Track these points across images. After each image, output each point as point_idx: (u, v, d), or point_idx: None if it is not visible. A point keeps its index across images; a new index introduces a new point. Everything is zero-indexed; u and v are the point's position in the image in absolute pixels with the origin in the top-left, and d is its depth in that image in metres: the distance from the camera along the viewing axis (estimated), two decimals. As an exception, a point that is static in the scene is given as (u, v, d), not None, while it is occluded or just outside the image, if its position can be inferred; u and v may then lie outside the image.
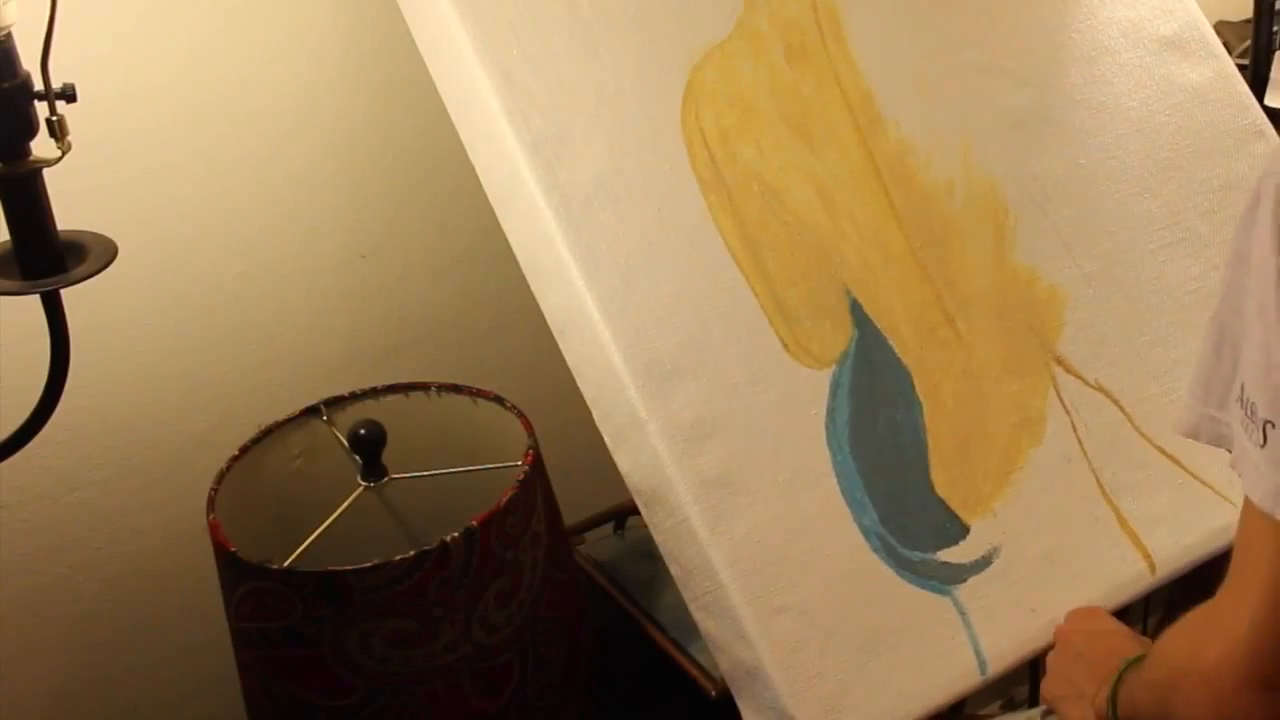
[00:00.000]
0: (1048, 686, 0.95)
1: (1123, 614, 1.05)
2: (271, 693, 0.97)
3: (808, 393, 0.99)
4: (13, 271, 0.86)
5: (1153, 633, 1.35)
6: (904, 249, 1.06)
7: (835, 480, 0.98)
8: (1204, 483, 1.09)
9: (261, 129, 1.14)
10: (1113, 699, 0.83)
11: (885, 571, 0.97)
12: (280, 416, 1.07)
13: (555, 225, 0.94)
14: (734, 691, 0.95)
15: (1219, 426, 0.72)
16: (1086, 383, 1.09)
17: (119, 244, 0.90)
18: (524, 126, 0.95)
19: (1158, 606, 1.35)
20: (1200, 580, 1.16)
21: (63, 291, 0.87)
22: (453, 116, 1.00)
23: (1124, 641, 0.92)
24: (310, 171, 1.18)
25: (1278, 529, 0.64)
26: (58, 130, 0.84)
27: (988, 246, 1.09)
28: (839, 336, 1.02)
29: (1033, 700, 1.35)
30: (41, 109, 0.84)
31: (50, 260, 0.86)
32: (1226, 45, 1.29)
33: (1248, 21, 1.40)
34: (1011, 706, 1.41)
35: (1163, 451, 1.09)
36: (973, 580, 0.99)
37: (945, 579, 0.99)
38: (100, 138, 1.04)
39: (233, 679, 1.04)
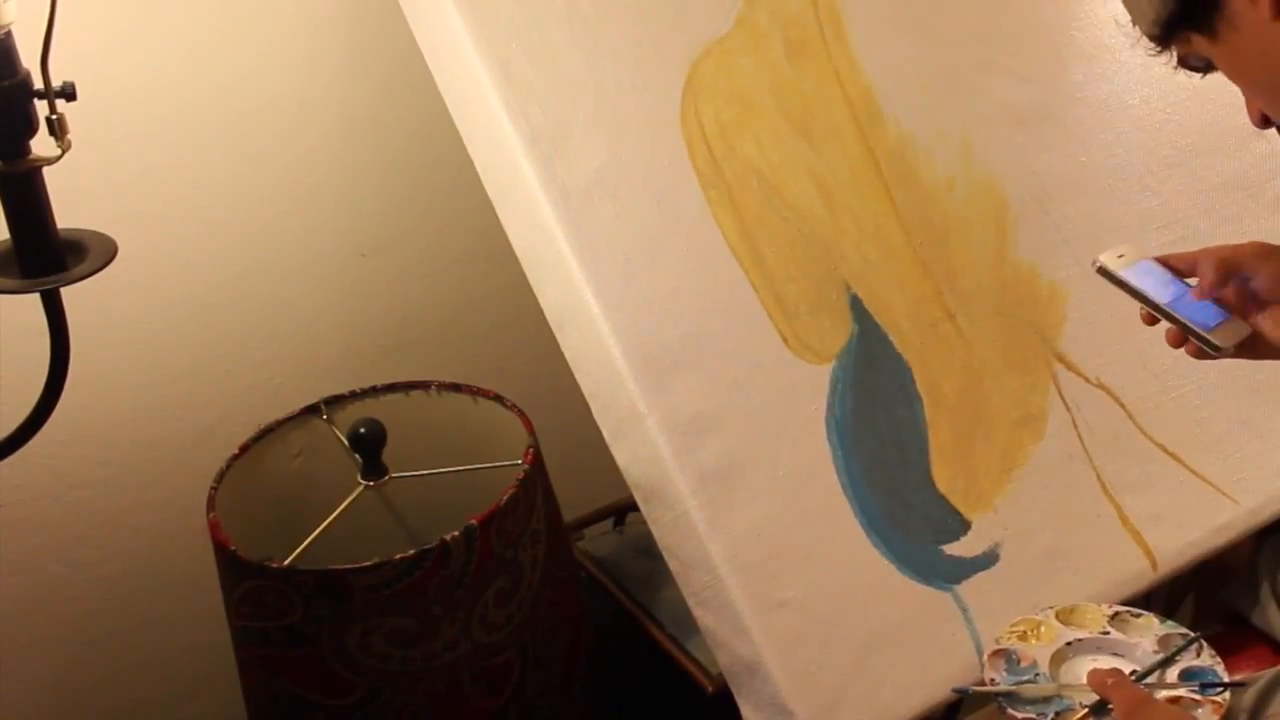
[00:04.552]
0: None
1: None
2: (272, 691, 0.97)
3: (807, 388, 0.99)
4: (12, 270, 0.86)
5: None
6: (904, 245, 1.06)
7: (835, 475, 0.98)
8: (1205, 480, 1.09)
9: (261, 127, 1.14)
10: None
11: (886, 567, 0.97)
12: (280, 415, 1.07)
13: (554, 219, 0.94)
14: (733, 687, 0.95)
15: None
16: (1088, 380, 1.09)
17: (119, 242, 0.90)
18: (523, 120, 0.95)
19: (1159, 602, 1.34)
20: (1202, 576, 1.16)
21: (62, 290, 0.87)
22: (452, 111, 1.00)
23: None
24: (310, 170, 1.18)
25: None
26: (57, 128, 0.84)
27: (988, 243, 1.09)
28: (839, 332, 1.02)
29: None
30: (41, 107, 0.83)
31: (50, 259, 0.86)
32: (1227, 43, 1.29)
33: (1248, 20, 1.40)
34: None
35: (1164, 449, 1.09)
36: (974, 577, 0.99)
37: (946, 575, 0.99)
38: (100, 136, 1.04)
39: (233, 678, 1.04)
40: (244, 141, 1.14)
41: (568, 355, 0.97)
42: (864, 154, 1.06)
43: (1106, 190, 1.15)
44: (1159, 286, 0.85)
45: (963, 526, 1.01)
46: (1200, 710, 0.84)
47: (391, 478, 1.05)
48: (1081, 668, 0.89)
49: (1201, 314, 0.84)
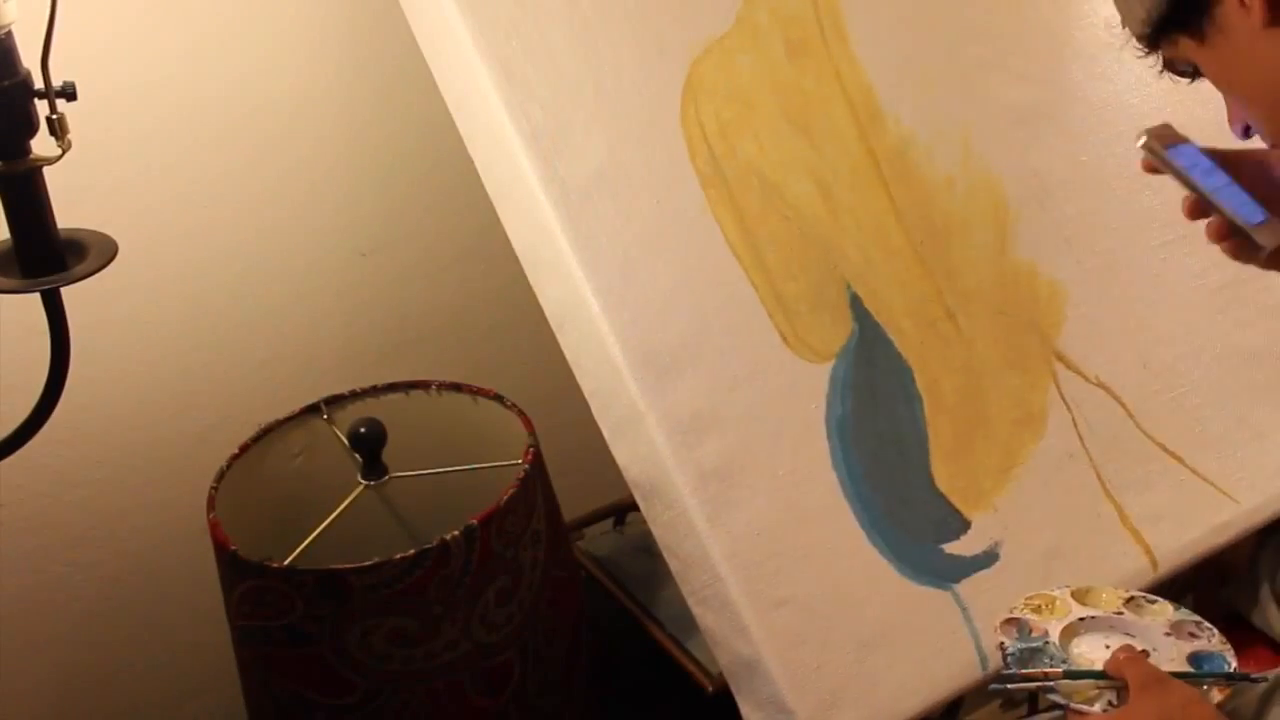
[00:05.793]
0: None
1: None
2: (272, 691, 0.97)
3: (807, 386, 0.99)
4: (13, 270, 0.86)
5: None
6: (904, 244, 1.06)
7: (835, 474, 0.98)
8: (1205, 479, 1.09)
9: (261, 127, 1.15)
10: None
11: (886, 566, 0.97)
12: (280, 415, 1.07)
13: (554, 217, 0.94)
14: (733, 686, 0.95)
15: None
16: (1087, 379, 1.09)
17: (119, 242, 0.90)
18: (523, 119, 0.95)
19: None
20: (1202, 576, 1.16)
21: (63, 290, 0.87)
22: (452, 110, 1.00)
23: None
24: (310, 169, 1.18)
25: None
26: (58, 128, 0.84)
27: (988, 242, 1.09)
28: (839, 330, 1.02)
29: (1031, 703, 1.34)
30: (42, 107, 0.84)
31: (50, 258, 0.86)
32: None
33: (1248, 20, 1.41)
34: (1011, 706, 1.40)
35: (1164, 448, 1.09)
36: (974, 576, 0.99)
37: (946, 574, 0.99)
38: (100, 136, 1.04)
39: (233, 677, 1.04)
40: (244, 141, 1.14)
41: (567, 354, 0.97)
42: (864, 153, 1.06)
43: (1106, 189, 1.15)
44: (1204, 174, 0.80)
45: (962, 525, 1.01)
46: (1205, 689, 0.84)
47: (391, 477, 1.05)
48: (1092, 645, 0.88)
49: (1246, 209, 0.79)
